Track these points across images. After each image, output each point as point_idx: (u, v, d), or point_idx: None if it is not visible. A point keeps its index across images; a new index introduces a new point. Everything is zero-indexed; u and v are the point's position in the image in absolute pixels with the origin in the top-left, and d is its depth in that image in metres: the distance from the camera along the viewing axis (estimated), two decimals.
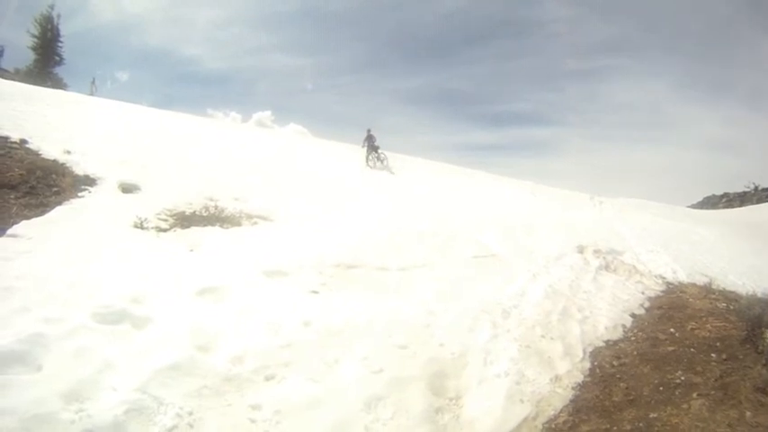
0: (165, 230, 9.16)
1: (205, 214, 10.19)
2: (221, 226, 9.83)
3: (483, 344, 6.63)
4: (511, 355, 6.43)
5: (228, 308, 6.55)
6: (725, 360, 6.36)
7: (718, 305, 8.37)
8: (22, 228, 7.79)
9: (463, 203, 15.66)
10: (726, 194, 41.58)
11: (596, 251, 11.47)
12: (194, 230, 9.35)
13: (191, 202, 10.59)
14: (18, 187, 9.31)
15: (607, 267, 10.56)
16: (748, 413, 5.22)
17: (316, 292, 7.48)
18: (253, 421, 4.79)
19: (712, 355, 6.54)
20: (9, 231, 7.61)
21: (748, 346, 6.59)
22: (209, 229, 9.57)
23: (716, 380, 5.93)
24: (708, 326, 7.43)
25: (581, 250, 11.42)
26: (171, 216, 9.82)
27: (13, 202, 8.78)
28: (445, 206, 14.81)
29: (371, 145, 23.57)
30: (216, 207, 10.53)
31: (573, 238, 12.37)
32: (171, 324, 5.87)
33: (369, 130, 23.83)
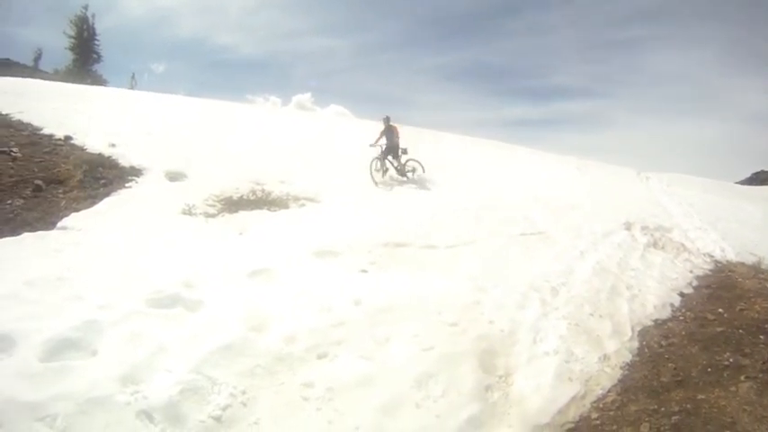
0: (213, 216, 9.39)
1: (252, 198, 10.39)
2: (269, 209, 10.04)
3: (532, 321, 6.72)
4: (560, 333, 6.51)
5: (280, 289, 6.73)
6: None
7: (767, 285, 8.29)
8: (72, 220, 8.15)
9: (508, 180, 15.55)
10: None
11: (644, 228, 11.37)
12: (242, 214, 9.56)
13: (237, 186, 10.80)
14: (66, 182, 9.72)
15: (655, 245, 10.48)
16: None
17: (365, 272, 7.62)
18: (305, 399, 4.97)
19: (761, 336, 6.54)
20: (59, 224, 7.97)
21: None
22: (256, 212, 9.77)
23: (764, 362, 5.93)
24: (756, 307, 7.39)
25: (628, 227, 11.32)
26: (218, 201, 10.06)
27: (61, 196, 9.18)
28: (490, 183, 14.73)
29: (391, 146, 15.21)
30: (263, 191, 10.73)
31: (620, 214, 12.25)
32: (223, 306, 6.07)
33: (387, 119, 15.45)
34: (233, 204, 10.06)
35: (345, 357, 5.59)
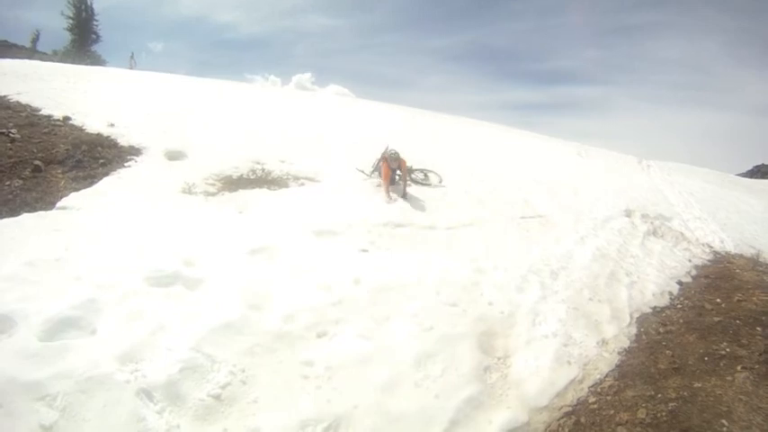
0: (213, 194, 9.32)
1: (252, 177, 10.32)
2: (269, 188, 9.96)
3: (531, 304, 6.75)
4: (559, 317, 6.55)
5: (279, 267, 6.73)
6: None
7: (765, 278, 8.33)
8: (71, 200, 8.10)
9: (509, 164, 15.47)
10: None
11: (644, 216, 11.38)
12: (242, 193, 9.49)
13: (237, 166, 10.71)
14: (65, 162, 9.68)
15: (655, 233, 10.50)
16: None
17: (365, 251, 7.63)
18: (305, 377, 5.02)
19: (758, 328, 6.56)
20: (58, 204, 7.93)
21: None
22: (256, 191, 9.70)
23: (760, 354, 5.97)
24: (754, 298, 7.42)
25: (629, 214, 11.33)
26: (218, 180, 9.99)
27: (60, 176, 9.16)
28: (491, 167, 14.65)
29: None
30: (263, 170, 10.64)
31: (620, 201, 12.26)
32: (223, 284, 6.08)
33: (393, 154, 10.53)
34: (233, 183, 10.01)
35: (345, 336, 5.63)
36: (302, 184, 10.44)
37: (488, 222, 9.69)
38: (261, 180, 10.25)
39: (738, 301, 7.39)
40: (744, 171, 38.52)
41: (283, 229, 7.87)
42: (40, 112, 11.96)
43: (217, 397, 4.58)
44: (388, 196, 9.70)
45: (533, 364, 5.65)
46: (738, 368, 5.73)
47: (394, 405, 4.81)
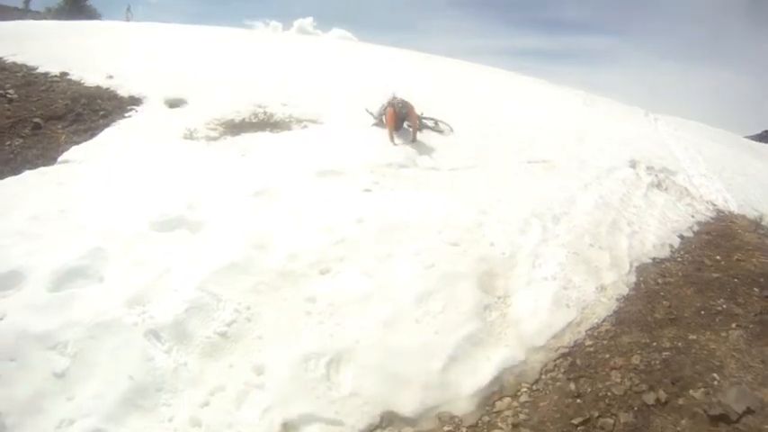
0: (215, 139, 9.28)
1: (254, 121, 10.23)
2: (271, 131, 9.86)
3: (533, 247, 6.75)
4: (559, 260, 6.56)
5: (283, 208, 6.74)
6: (767, 297, 6.39)
7: (766, 241, 8.30)
8: (73, 153, 8.10)
9: (515, 109, 15.18)
10: None
11: (649, 168, 11.26)
12: (244, 137, 9.41)
13: (239, 110, 10.57)
14: (65, 117, 9.76)
15: (659, 185, 10.42)
16: None
17: (368, 191, 7.58)
18: (308, 313, 5.10)
19: (755, 289, 6.57)
20: (60, 159, 7.98)
21: None
22: (259, 134, 9.60)
23: (756, 314, 6.00)
24: (754, 260, 7.42)
25: (633, 165, 11.21)
26: (220, 125, 9.89)
27: (60, 131, 9.24)
28: (496, 111, 14.38)
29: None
30: (265, 113, 10.52)
31: (626, 151, 12.10)
32: (227, 226, 6.12)
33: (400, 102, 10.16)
34: (235, 127, 9.92)
35: (347, 274, 5.68)
36: (305, 127, 10.31)
37: (492, 165, 9.59)
38: (263, 123, 10.17)
39: (738, 260, 7.40)
40: (753, 134, 38.02)
41: (286, 170, 7.83)
42: (37, 71, 11.89)
43: (222, 334, 4.67)
44: (393, 140, 9.52)
45: (532, 304, 5.69)
46: (733, 325, 5.78)
47: (395, 340, 4.88)
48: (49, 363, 4.06)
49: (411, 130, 9.98)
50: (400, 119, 9.93)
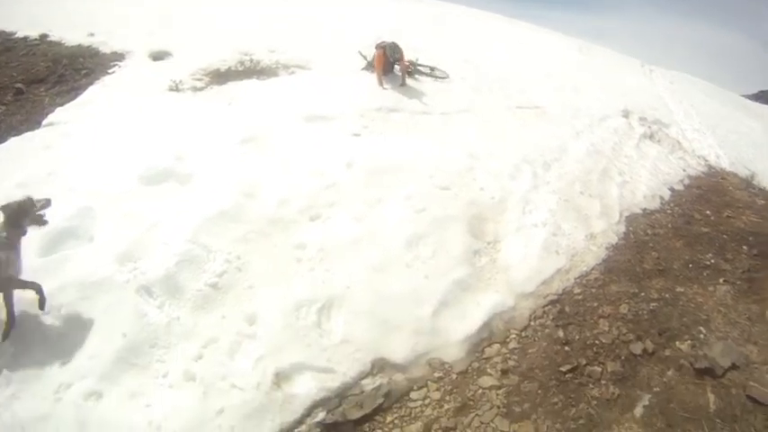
0: (200, 89, 9.04)
1: (240, 69, 9.94)
2: (258, 78, 9.60)
3: (523, 192, 6.68)
4: (549, 207, 6.50)
5: (271, 155, 6.61)
6: (755, 255, 6.43)
7: (757, 201, 8.31)
8: (57, 115, 7.91)
9: (509, 55, 14.74)
10: None
11: (642, 119, 11.13)
12: (231, 85, 9.17)
13: (224, 59, 10.22)
14: (46, 79, 9.49)
15: (651, 137, 10.31)
16: None
17: (357, 135, 7.43)
18: (298, 260, 5.05)
19: (744, 246, 6.61)
20: (45, 122, 7.80)
21: None
22: (245, 82, 9.35)
23: (743, 272, 6.05)
24: (743, 218, 7.44)
25: (626, 115, 11.07)
26: (206, 75, 9.60)
27: (44, 94, 8.98)
28: (489, 55, 13.98)
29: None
30: (251, 60, 10.20)
31: (619, 101, 11.93)
32: (215, 176, 6.02)
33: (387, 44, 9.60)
34: (221, 76, 9.66)
35: (337, 219, 5.62)
36: (292, 73, 10.02)
37: (485, 111, 9.39)
38: (250, 71, 9.91)
39: (728, 216, 7.41)
40: (748, 93, 37.97)
41: (274, 117, 7.67)
42: (16, 36, 11.55)
43: (213, 286, 4.64)
44: (381, 84, 9.25)
45: (522, 250, 5.66)
46: (721, 281, 5.83)
47: (385, 285, 4.85)
48: (44, 327, 4.04)
49: (401, 74, 9.67)
50: (390, 63, 9.60)
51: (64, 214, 5.03)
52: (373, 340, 4.38)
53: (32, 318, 4.06)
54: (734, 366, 4.54)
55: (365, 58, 10.31)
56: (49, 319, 4.09)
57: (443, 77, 10.54)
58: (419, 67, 10.52)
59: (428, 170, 6.61)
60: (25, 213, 4.10)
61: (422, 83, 10.03)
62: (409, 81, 9.73)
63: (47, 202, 4.32)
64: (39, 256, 4.59)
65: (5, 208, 3.99)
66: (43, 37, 11.41)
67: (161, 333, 4.18)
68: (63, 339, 4.00)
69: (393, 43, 9.49)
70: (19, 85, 9.21)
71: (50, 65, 9.94)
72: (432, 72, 10.60)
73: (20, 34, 11.53)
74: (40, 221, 4.29)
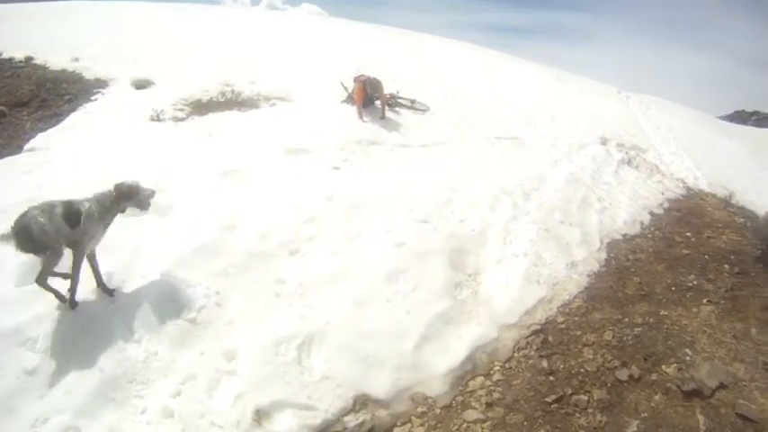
0: (182, 120, 9.04)
1: (222, 100, 9.98)
2: (239, 109, 9.64)
3: (503, 223, 6.69)
4: (529, 237, 6.51)
5: (251, 187, 6.61)
6: (737, 274, 6.47)
7: (736, 219, 8.42)
8: (39, 141, 7.85)
9: (487, 86, 14.97)
10: (757, 112, 39.55)
11: (619, 145, 11.29)
12: (212, 116, 9.18)
13: (206, 89, 10.27)
14: (29, 103, 9.42)
15: (629, 163, 10.45)
16: (754, 330, 5.39)
17: (337, 169, 7.44)
18: (278, 295, 5.00)
19: (725, 266, 6.65)
20: (26, 147, 7.70)
21: (761, 265, 6.67)
22: (226, 113, 9.38)
23: (726, 291, 6.06)
24: (724, 237, 7.51)
25: (604, 142, 11.23)
26: (187, 105, 9.62)
27: (26, 118, 8.92)
28: (469, 88, 14.21)
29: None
30: (232, 92, 10.26)
31: (596, 128, 12.11)
32: (195, 208, 5.99)
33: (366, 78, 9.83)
34: (202, 107, 9.67)
35: (317, 253, 5.58)
36: (273, 105, 10.09)
37: (463, 142, 9.50)
38: (231, 102, 9.94)
39: (708, 237, 7.48)
40: (724, 115, 38.60)
41: (255, 149, 7.68)
42: (1, 57, 11.48)
43: (192, 321, 4.59)
44: (361, 117, 9.34)
45: (503, 281, 5.66)
46: (704, 301, 5.84)
47: (366, 321, 4.81)
48: (19, 360, 3.93)
49: (381, 107, 9.78)
50: (369, 96, 9.70)
51: None
52: (355, 376, 4.32)
53: (9, 350, 3.96)
54: (722, 386, 4.52)
55: (346, 89, 10.38)
56: (26, 352, 4.00)
57: (423, 110, 10.63)
58: (399, 100, 10.63)
59: (408, 203, 6.61)
60: (131, 196, 4.67)
61: (401, 115, 10.10)
62: (389, 113, 9.83)
63: (152, 193, 4.84)
64: (16, 286, 4.52)
65: (119, 186, 4.62)
66: (28, 59, 11.42)
67: (139, 368, 4.11)
68: (40, 372, 3.91)
69: (373, 78, 9.62)
70: (2, 107, 9.17)
71: (34, 88, 9.91)
72: (412, 104, 10.71)
73: (5, 55, 11.54)
74: (144, 206, 4.80)
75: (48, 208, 4.24)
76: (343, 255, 5.58)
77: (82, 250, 4.39)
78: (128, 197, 4.67)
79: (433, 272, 5.50)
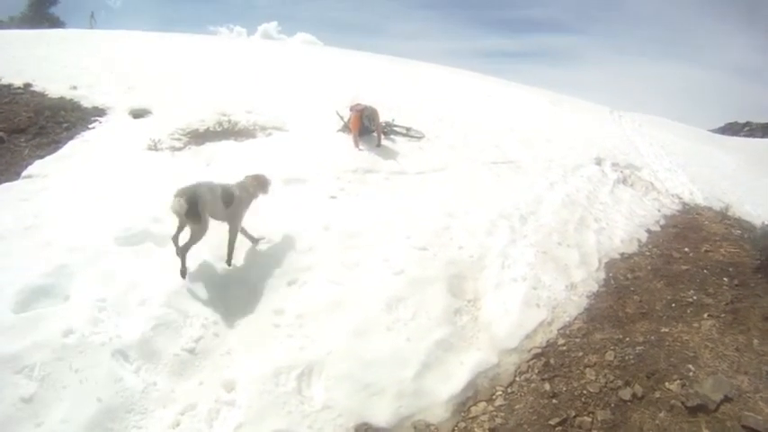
0: (179, 149, 9.12)
1: (219, 129, 10.08)
2: (236, 139, 9.73)
3: (501, 248, 6.70)
4: (528, 260, 6.53)
5: (249, 217, 6.53)
6: (737, 286, 6.46)
7: (733, 231, 8.43)
8: (36, 168, 7.89)
9: (482, 111, 15.21)
10: (748, 123, 39.88)
11: (614, 164, 11.40)
12: (209, 146, 9.26)
13: (203, 119, 10.40)
14: (27, 130, 9.46)
15: (624, 181, 10.54)
16: (756, 341, 5.35)
17: (334, 197, 7.51)
18: (276, 326, 5.00)
19: (724, 279, 6.64)
20: (24, 174, 7.74)
21: (760, 275, 6.65)
22: (223, 143, 9.46)
23: (727, 304, 6.04)
24: (722, 250, 7.51)
25: (599, 162, 11.34)
26: (184, 135, 9.73)
27: (24, 145, 8.95)
28: (464, 114, 14.39)
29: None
30: (229, 121, 10.37)
31: (591, 149, 12.24)
32: None
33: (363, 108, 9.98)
34: (199, 137, 9.78)
35: (315, 283, 5.60)
36: (270, 134, 10.20)
37: (460, 168, 9.59)
38: (227, 132, 10.02)
39: (706, 251, 7.47)
40: (715, 127, 38.79)
41: None
42: (0, 82, 11.57)
43: (191, 351, 4.58)
44: (357, 145, 9.46)
45: (503, 306, 5.65)
46: (705, 316, 5.81)
47: (366, 349, 4.79)
48: (16, 388, 3.88)
49: (376, 135, 9.90)
50: (366, 125, 9.84)
51: (40, 271, 4.96)
52: (356, 405, 4.30)
53: (5, 376, 3.89)
54: (726, 399, 4.48)
55: (342, 118, 10.55)
56: (22, 379, 3.95)
57: (419, 137, 10.76)
58: (395, 128, 10.78)
59: (405, 231, 6.65)
60: (265, 186, 6.19)
61: (397, 143, 10.21)
62: (385, 141, 9.95)
63: (271, 182, 6.34)
64: (14, 313, 4.49)
65: (258, 177, 6.11)
66: (27, 86, 11.49)
67: (137, 398, 4.08)
68: (36, 400, 3.86)
69: (369, 106, 9.75)
70: (0, 133, 9.21)
71: (32, 115, 9.95)
72: (407, 132, 10.86)
73: (4, 81, 11.61)
74: (268, 193, 6.25)
75: (213, 187, 5.33)
76: (342, 284, 5.59)
77: (236, 225, 5.63)
78: (263, 187, 6.13)
79: (433, 299, 5.50)
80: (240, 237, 5.84)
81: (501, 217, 7.49)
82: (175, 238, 5.27)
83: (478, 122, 13.51)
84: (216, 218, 5.33)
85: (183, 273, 5.18)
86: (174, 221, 5.33)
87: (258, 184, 6.02)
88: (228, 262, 5.55)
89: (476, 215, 7.43)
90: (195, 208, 5.01)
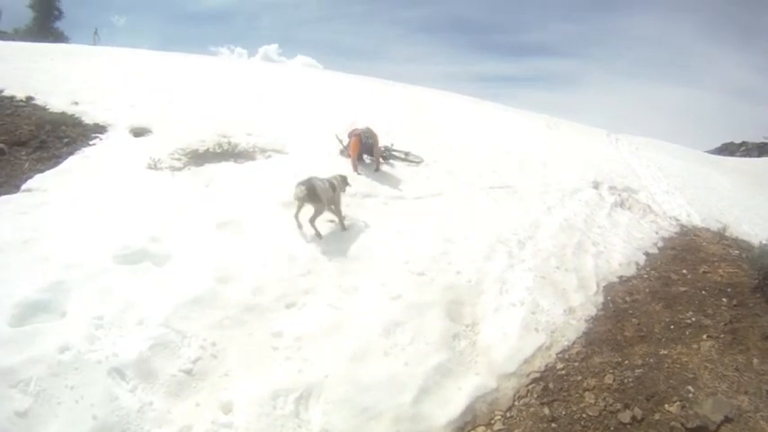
0: (179, 169, 9.11)
1: (219, 151, 10.07)
2: (235, 161, 9.75)
3: (499, 273, 6.72)
4: (526, 285, 6.54)
5: (247, 240, 6.66)
6: (735, 306, 6.47)
7: (731, 252, 8.45)
8: (36, 182, 7.87)
9: (479, 135, 15.36)
10: (744, 143, 40.09)
11: (611, 188, 11.45)
12: (208, 167, 9.26)
13: (203, 139, 10.42)
14: (28, 143, 9.41)
15: (622, 204, 10.58)
16: (756, 360, 5.37)
17: (333, 221, 7.49)
18: (275, 348, 4.98)
19: (723, 299, 6.65)
20: (23, 187, 7.71)
21: (759, 295, 6.67)
22: (223, 164, 9.47)
23: (725, 324, 6.05)
24: (720, 271, 7.52)
25: (596, 186, 11.38)
26: (184, 155, 9.74)
27: (24, 158, 8.89)
28: (462, 138, 14.51)
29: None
30: (229, 143, 10.35)
31: (588, 173, 12.30)
32: (191, 259, 6.01)
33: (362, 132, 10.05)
34: (199, 157, 9.76)
35: (314, 306, 5.60)
36: (269, 157, 10.21)
37: (457, 193, 9.61)
38: (227, 153, 10.00)
39: (704, 272, 7.49)
40: (712, 148, 38.92)
41: (250, 201, 7.75)
42: (2, 94, 11.57)
43: (188, 372, 4.55)
44: (356, 169, 9.51)
45: (501, 331, 5.65)
46: (704, 337, 5.82)
47: (364, 373, 4.78)
48: (11, 401, 3.87)
49: (374, 160, 9.97)
50: (365, 149, 9.92)
51: (37, 285, 4.96)
52: (353, 429, 4.28)
53: (1, 391, 3.88)
54: (727, 419, 4.48)
55: (341, 142, 10.59)
56: (17, 394, 3.93)
57: (417, 162, 10.84)
58: (394, 152, 10.85)
59: (403, 256, 6.68)
60: (347, 183, 8.01)
61: (396, 168, 10.27)
62: (384, 166, 10.01)
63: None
64: (10, 327, 4.48)
65: (344, 177, 7.97)
66: (29, 99, 11.49)
67: (133, 418, 4.04)
68: (31, 415, 3.85)
69: (369, 130, 9.81)
70: (1, 145, 9.14)
71: (33, 129, 9.90)
72: (406, 157, 10.93)
73: (7, 93, 11.60)
74: (345, 190, 7.94)
75: (322, 179, 7.04)
76: (340, 308, 5.59)
77: (339, 205, 7.35)
78: (346, 184, 7.93)
79: (431, 324, 5.50)
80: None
81: (499, 242, 7.53)
82: (296, 216, 7.02)
83: (476, 147, 13.59)
84: (327, 201, 7.03)
85: (319, 235, 6.88)
86: (294, 204, 7.00)
87: (343, 181, 7.81)
88: (342, 227, 7.31)
89: (474, 240, 7.46)
90: (313, 192, 6.74)
